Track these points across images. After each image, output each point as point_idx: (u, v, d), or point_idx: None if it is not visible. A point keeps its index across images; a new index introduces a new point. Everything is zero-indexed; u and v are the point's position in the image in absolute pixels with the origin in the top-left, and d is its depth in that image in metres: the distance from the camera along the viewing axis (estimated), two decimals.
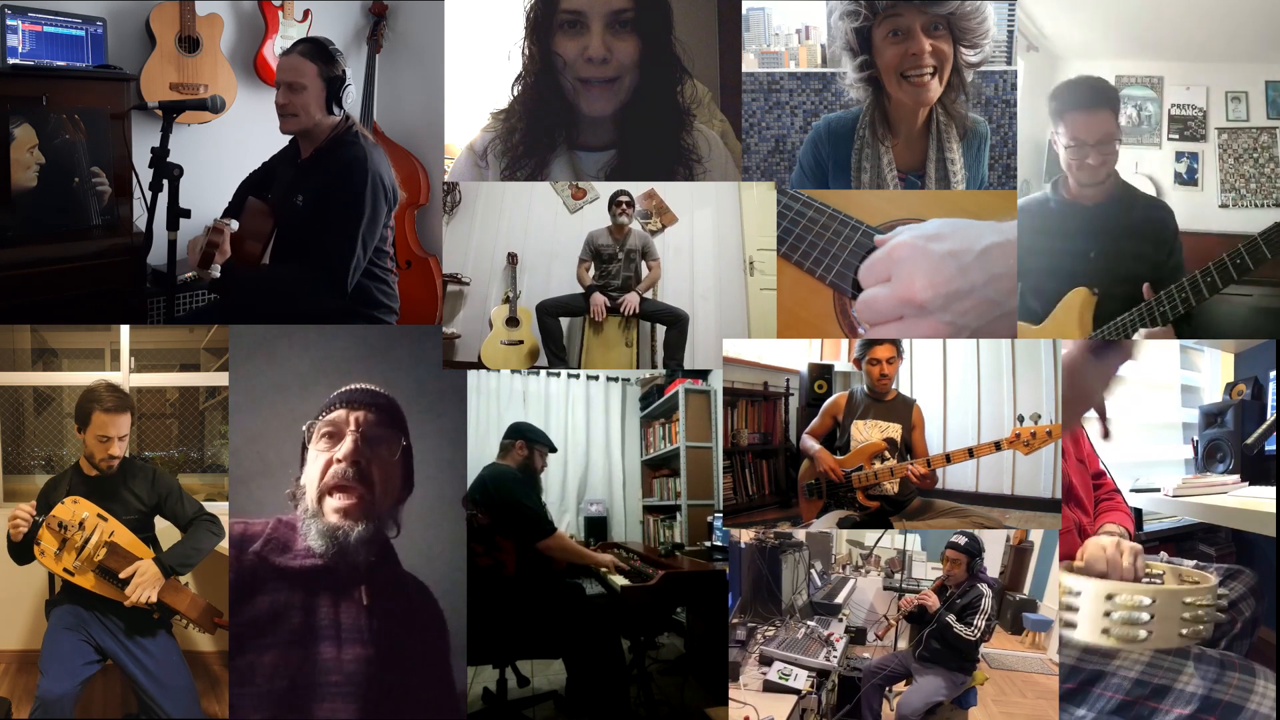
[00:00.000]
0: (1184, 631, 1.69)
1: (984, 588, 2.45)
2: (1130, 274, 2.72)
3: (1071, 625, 1.75)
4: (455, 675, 1.96)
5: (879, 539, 2.80)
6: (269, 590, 1.72)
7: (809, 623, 2.72)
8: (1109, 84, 2.87)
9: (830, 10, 3.00)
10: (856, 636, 2.79)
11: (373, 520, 1.75)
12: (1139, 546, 1.93)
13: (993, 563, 2.72)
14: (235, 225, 2.62)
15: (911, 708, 2.39)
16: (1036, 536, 2.68)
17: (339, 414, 1.77)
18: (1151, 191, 3.26)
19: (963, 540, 2.49)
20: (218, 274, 2.58)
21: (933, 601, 2.46)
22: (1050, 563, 2.80)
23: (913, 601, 2.51)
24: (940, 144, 2.65)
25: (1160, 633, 1.67)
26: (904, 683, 2.49)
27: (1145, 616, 1.67)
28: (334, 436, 1.76)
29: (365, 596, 1.77)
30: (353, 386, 1.83)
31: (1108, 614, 1.69)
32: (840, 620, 2.80)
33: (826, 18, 3.16)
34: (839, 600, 2.88)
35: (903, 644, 2.65)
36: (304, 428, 1.81)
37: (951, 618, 2.41)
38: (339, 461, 1.73)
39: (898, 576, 2.88)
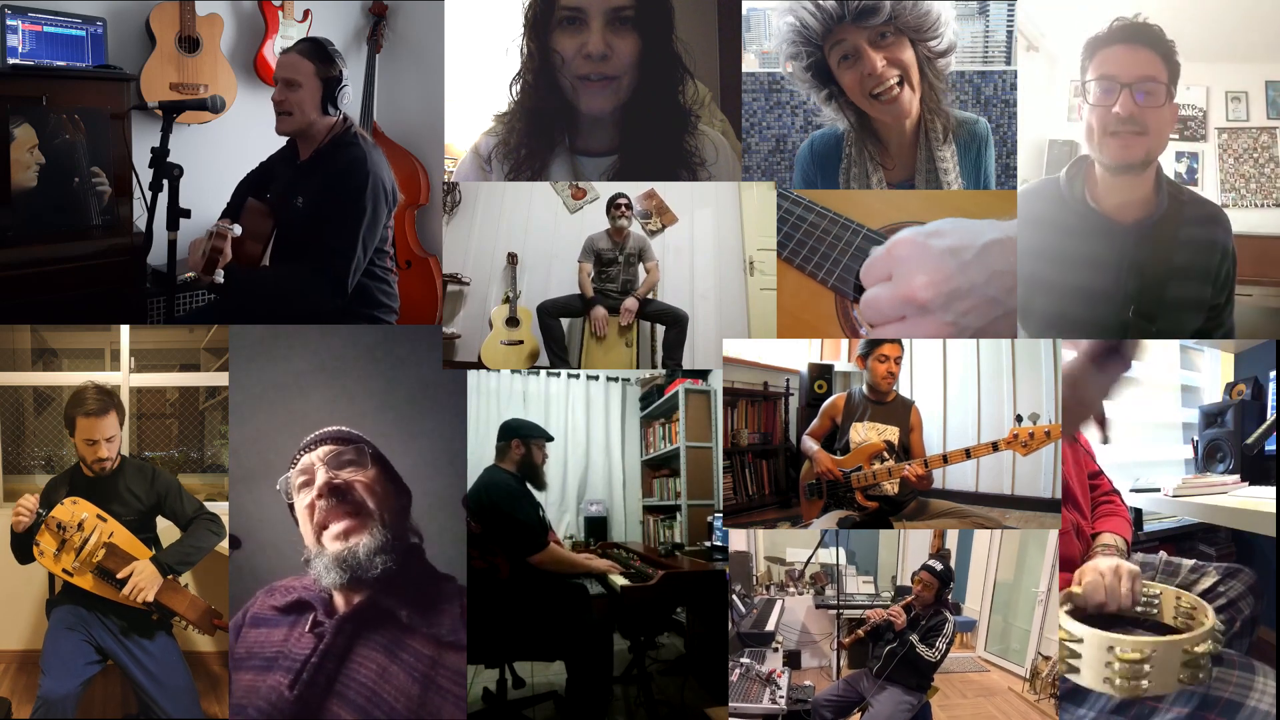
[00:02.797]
0: (1182, 677, 1.76)
1: (948, 614, 2.40)
2: (1174, 328, 2.34)
3: (1074, 670, 1.82)
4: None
5: (810, 557, 2.65)
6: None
7: (742, 660, 2.48)
8: (1159, 28, 2.31)
9: (779, 54, 2.93)
10: (790, 660, 2.62)
11: (376, 532, 1.79)
12: (1136, 570, 1.98)
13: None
14: (239, 230, 2.60)
15: None
16: (952, 539, 2.66)
17: (306, 459, 1.83)
18: None
19: (938, 566, 2.43)
20: (221, 279, 2.58)
21: (901, 620, 2.40)
22: (968, 565, 2.80)
23: (883, 615, 2.43)
24: (929, 150, 2.58)
25: (1159, 680, 1.74)
26: (857, 710, 2.39)
27: (1146, 668, 1.73)
28: (309, 482, 1.82)
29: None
30: (309, 436, 1.89)
31: (1109, 664, 1.76)
32: (775, 650, 2.56)
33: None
34: (770, 627, 2.61)
35: (844, 664, 2.54)
36: (278, 489, 1.86)
37: (915, 638, 2.37)
38: (319, 497, 1.79)
39: (830, 592, 2.68)
